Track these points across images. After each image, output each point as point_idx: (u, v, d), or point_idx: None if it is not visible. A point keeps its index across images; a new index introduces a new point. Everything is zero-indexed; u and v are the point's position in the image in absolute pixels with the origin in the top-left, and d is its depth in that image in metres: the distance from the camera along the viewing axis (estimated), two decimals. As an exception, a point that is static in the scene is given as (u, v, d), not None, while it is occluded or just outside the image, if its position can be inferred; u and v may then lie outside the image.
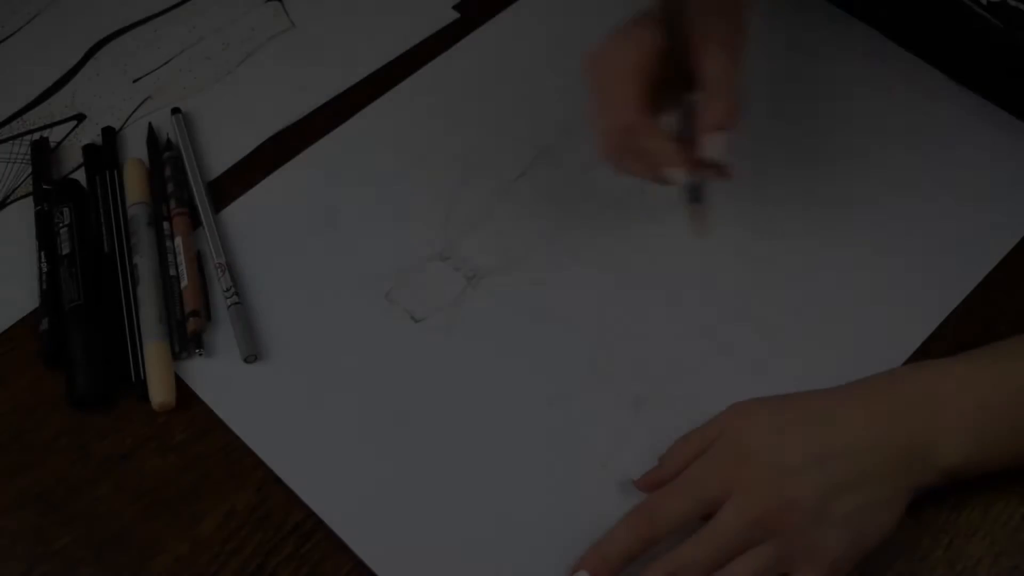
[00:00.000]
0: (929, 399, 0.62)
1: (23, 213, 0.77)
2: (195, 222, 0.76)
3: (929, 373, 0.64)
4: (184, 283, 0.72)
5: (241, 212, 0.77)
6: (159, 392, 0.68)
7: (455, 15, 0.87)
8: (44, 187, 0.77)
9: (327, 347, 0.71)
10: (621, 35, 0.68)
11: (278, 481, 0.66)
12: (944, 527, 0.64)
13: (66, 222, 0.74)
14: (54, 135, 0.81)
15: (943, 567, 0.63)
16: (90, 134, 0.81)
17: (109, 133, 0.80)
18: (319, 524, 0.65)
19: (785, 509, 0.59)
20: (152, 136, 0.80)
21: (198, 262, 0.74)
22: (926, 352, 0.70)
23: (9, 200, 0.78)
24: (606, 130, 0.67)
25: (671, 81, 0.67)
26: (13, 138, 0.81)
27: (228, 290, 0.72)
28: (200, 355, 0.70)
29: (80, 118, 0.82)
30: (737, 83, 0.66)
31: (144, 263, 0.73)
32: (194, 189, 0.77)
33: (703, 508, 0.61)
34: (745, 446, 0.61)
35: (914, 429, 0.61)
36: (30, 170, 0.79)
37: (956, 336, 0.71)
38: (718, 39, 0.67)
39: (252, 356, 0.70)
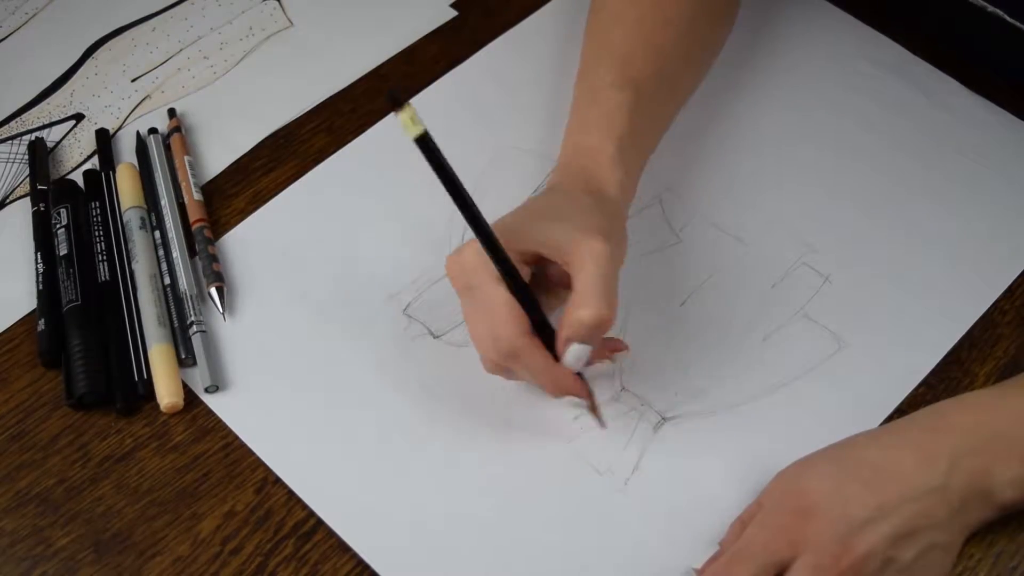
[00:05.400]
0: (981, 435, 0.61)
1: (22, 213, 0.77)
2: (194, 223, 0.76)
3: (977, 408, 0.63)
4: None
5: (256, 223, 0.76)
6: (167, 394, 0.68)
7: (453, 13, 0.87)
8: (41, 187, 0.77)
9: (336, 354, 0.71)
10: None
11: (278, 481, 0.66)
12: (944, 526, 0.64)
13: (63, 222, 0.74)
14: (52, 135, 0.81)
15: (943, 566, 0.63)
16: (88, 134, 0.81)
17: (103, 135, 0.80)
18: (319, 524, 0.65)
19: (857, 564, 0.58)
20: (141, 144, 0.80)
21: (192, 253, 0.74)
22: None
23: (8, 200, 0.78)
24: (492, 357, 0.63)
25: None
26: (12, 138, 0.81)
27: (198, 321, 0.72)
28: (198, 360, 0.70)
29: (78, 117, 0.82)
30: (609, 291, 0.62)
31: (141, 267, 0.73)
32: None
33: (772, 571, 0.59)
34: (807, 503, 0.60)
35: (971, 469, 0.60)
36: (30, 169, 0.79)
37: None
38: (584, 237, 0.62)
39: (213, 387, 0.69)
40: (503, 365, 0.64)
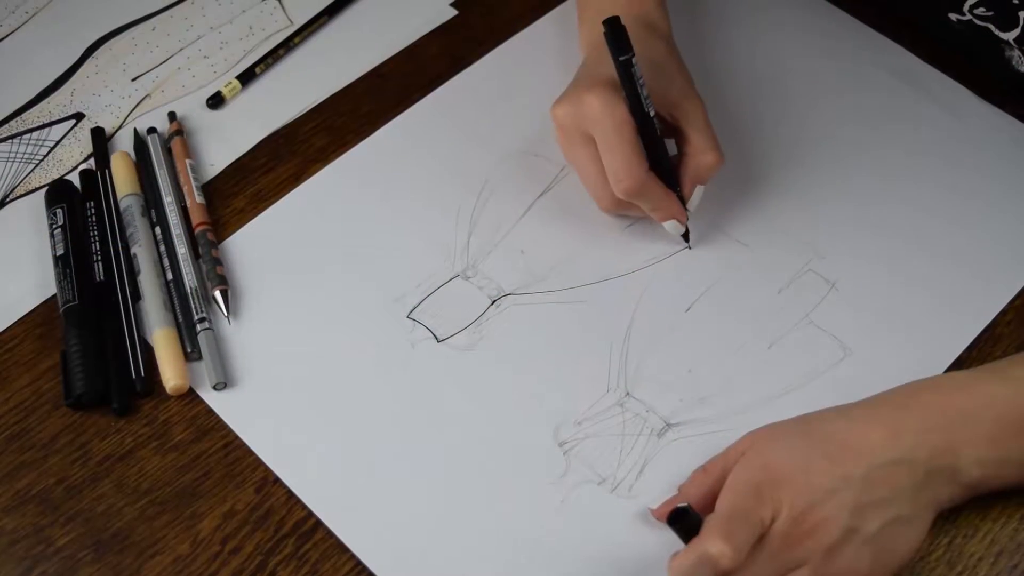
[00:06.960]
0: (949, 414, 0.61)
1: (23, 212, 0.77)
2: (196, 225, 0.76)
3: (948, 388, 0.63)
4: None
5: (260, 226, 0.76)
6: (172, 376, 0.69)
7: (453, 12, 0.87)
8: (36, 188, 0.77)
9: (339, 357, 0.71)
10: (598, 88, 0.70)
11: (278, 480, 0.66)
12: (944, 527, 0.64)
13: (59, 223, 0.74)
14: (52, 134, 0.81)
15: (943, 567, 0.63)
16: (88, 133, 0.81)
17: (98, 133, 0.80)
18: (319, 524, 0.65)
19: (819, 532, 0.59)
20: (140, 141, 0.80)
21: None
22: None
23: (8, 199, 0.78)
24: (618, 196, 0.71)
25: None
26: (12, 137, 0.81)
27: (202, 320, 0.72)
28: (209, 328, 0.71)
29: (79, 117, 0.82)
30: (714, 136, 0.72)
31: (143, 252, 0.73)
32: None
33: (753, 542, 0.59)
34: (773, 472, 0.60)
35: (935, 446, 0.61)
36: (30, 169, 0.79)
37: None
38: (688, 94, 0.73)
39: (221, 384, 0.69)
40: (626, 202, 0.72)
